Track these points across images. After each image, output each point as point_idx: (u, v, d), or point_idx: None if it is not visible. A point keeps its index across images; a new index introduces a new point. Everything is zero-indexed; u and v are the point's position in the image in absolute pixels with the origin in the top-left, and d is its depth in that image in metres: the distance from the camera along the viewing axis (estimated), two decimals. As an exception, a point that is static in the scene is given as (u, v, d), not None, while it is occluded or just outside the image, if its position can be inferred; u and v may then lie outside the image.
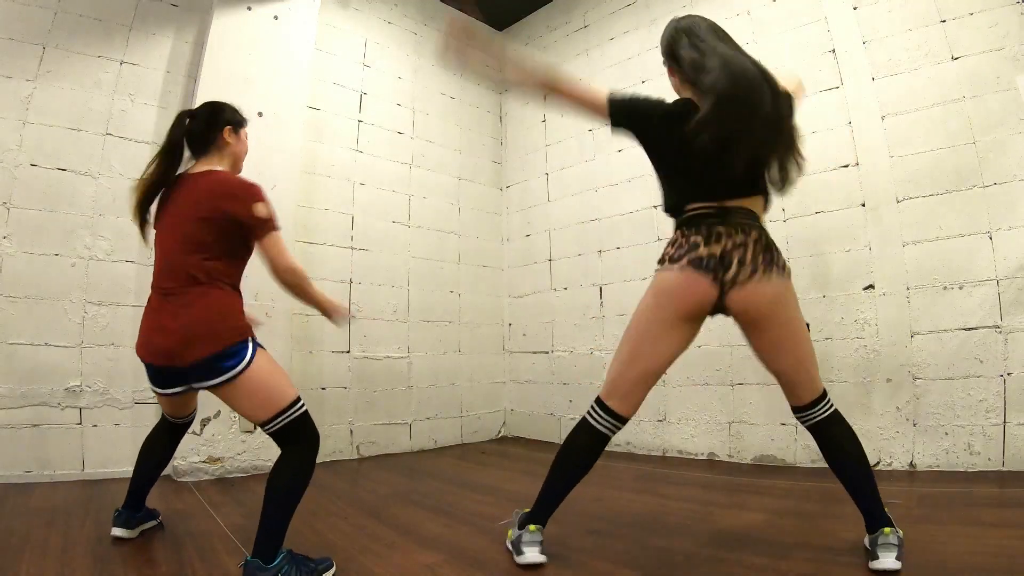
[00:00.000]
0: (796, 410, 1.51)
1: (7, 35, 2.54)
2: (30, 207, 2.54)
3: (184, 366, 1.44)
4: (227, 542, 1.72)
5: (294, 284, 1.55)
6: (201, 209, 1.49)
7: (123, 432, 2.63)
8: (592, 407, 1.53)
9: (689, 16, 1.51)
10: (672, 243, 1.49)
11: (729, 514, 1.99)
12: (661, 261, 1.50)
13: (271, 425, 1.45)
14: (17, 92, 2.54)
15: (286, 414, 1.45)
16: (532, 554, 1.48)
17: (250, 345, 1.46)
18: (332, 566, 1.48)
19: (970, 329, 2.35)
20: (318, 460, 1.51)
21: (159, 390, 1.59)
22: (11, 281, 2.47)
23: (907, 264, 2.52)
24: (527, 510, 1.58)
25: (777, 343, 1.45)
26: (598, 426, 1.50)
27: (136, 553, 1.61)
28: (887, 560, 1.34)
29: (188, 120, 1.63)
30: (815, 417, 1.48)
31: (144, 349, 1.52)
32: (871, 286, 2.61)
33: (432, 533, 1.84)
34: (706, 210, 1.44)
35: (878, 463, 2.49)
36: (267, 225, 1.50)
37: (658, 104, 1.49)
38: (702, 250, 1.41)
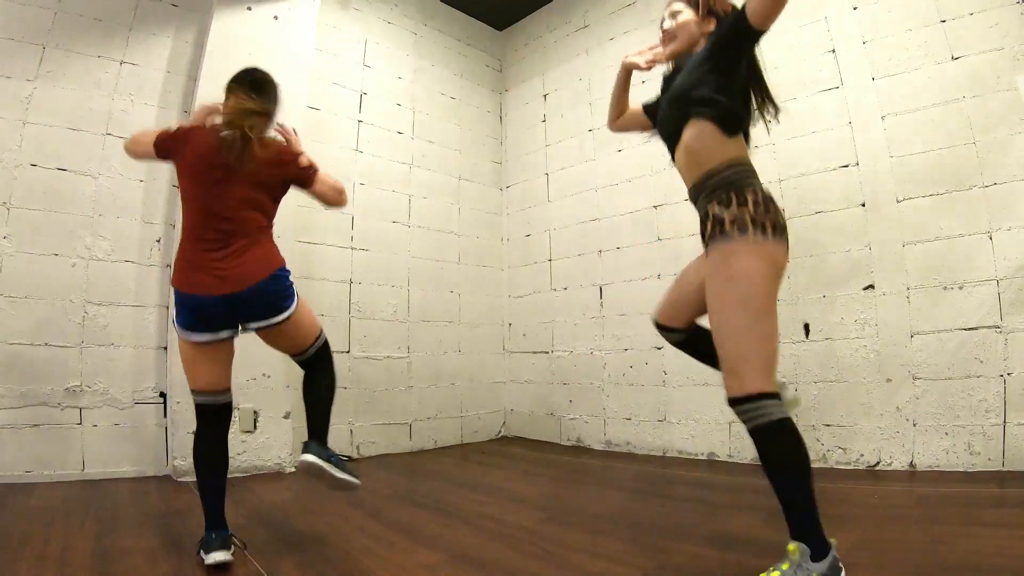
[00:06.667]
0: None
1: (7, 35, 2.54)
2: (30, 207, 2.54)
3: (250, 287, 1.54)
4: (227, 542, 1.72)
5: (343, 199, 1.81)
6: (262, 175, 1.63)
7: (123, 432, 2.63)
8: (767, 404, 1.20)
9: None
10: (756, 203, 1.37)
11: (729, 514, 1.99)
12: (756, 226, 1.33)
13: (311, 349, 1.71)
14: (17, 92, 2.55)
15: (321, 336, 1.75)
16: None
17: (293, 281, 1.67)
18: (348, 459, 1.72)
19: (970, 329, 2.35)
20: (318, 460, 1.56)
21: (205, 335, 1.57)
22: (11, 281, 2.47)
23: (907, 264, 2.52)
24: (832, 540, 1.24)
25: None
26: (785, 416, 1.22)
27: (136, 553, 1.61)
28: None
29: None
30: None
31: (207, 286, 1.53)
32: (871, 286, 2.61)
33: (432, 533, 1.85)
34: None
35: (878, 463, 2.49)
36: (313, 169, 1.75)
37: None
38: (780, 217, 1.38)
